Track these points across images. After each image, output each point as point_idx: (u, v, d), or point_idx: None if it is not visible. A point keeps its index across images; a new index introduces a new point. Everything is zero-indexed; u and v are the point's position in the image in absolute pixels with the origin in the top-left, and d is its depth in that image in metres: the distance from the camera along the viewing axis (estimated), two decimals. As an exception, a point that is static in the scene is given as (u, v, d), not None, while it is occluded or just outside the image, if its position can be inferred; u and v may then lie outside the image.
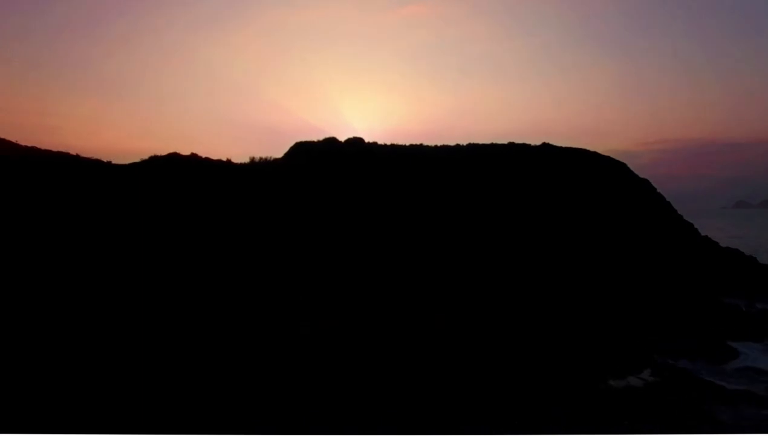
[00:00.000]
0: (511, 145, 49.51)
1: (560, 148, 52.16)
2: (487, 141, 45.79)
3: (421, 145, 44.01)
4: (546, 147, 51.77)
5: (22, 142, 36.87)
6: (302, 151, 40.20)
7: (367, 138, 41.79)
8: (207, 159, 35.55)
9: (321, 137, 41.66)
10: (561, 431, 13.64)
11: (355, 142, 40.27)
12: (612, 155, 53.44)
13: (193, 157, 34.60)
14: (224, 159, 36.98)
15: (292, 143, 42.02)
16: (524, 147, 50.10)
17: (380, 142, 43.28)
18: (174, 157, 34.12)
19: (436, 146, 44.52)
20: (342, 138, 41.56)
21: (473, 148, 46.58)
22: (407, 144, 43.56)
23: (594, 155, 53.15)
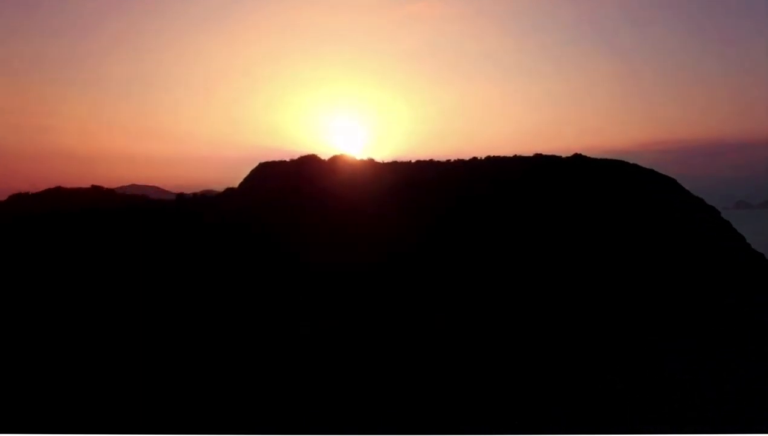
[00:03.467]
0: (538, 157, 40.50)
1: (595, 160, 43.81)
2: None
3: (431, 160, 34.51)
4: (578, 159, 43.22)
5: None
6: (267, 174, 30.42)
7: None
8: (119, 194, 25.75)
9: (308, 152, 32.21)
10: (561, 431, 13.46)
11: (343, 161, 30.45)
12: (612, 155, 45.26)
13: (94, 190, 24.73)
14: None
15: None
16: (553, 159, 41.30)
17: (378, 157, 33.99)
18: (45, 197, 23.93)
19: (448, 161, 35.00)
20: (326, 153, 32.44)
21: (492, 162, 37.22)
22: (412, 160, 33.98)
23: (634, 168, 44.64)
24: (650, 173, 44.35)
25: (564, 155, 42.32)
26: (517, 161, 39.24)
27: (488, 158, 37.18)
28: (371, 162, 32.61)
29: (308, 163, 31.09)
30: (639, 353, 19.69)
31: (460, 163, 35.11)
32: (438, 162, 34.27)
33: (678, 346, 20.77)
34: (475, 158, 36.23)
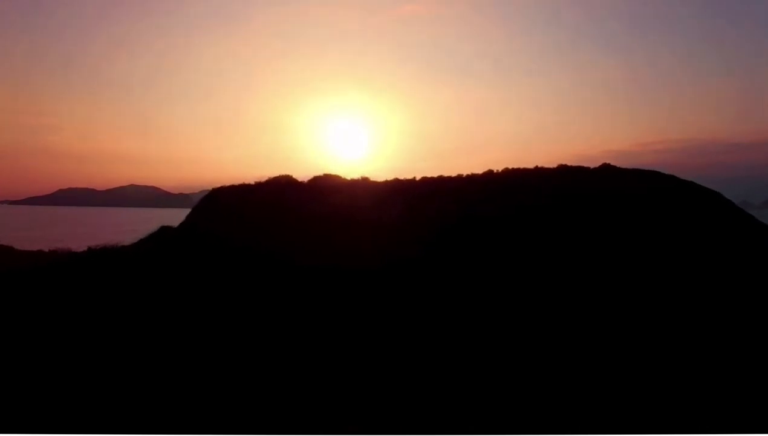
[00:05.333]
0: (563, 169, 34.12)
1: (625, 170, 37.95)
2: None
3: (440, 176, 27.56)
4: (607, 170, 37.23)
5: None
6: (226, 200, 23.18)
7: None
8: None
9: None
10: (561, 431, 12.99)
11: (328, 183, 23.14)
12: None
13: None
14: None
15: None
16: (579, 171, 35.10)
17: (373, 173, 26.97)
18: None
19: (459, 176, 28.15)
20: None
21: (512, 175, 30.59)
22: (416, 177, 26.94)
23: (670, 179, 38.74)
24: (687, 185, 38.48)
25: (592, 166, 36.20)
26: (538, 173, 32.80)
27: (506, 170, 30.47)
28: (365, 182, 25.30)
29: (280, 186, 23.71)
30: (639, 353, 18.89)
31: (473, 178, 28.32)
32: (448, 178, 27.37)
33: (678, 346, 19.81)
34: (490, 171, 29.48)
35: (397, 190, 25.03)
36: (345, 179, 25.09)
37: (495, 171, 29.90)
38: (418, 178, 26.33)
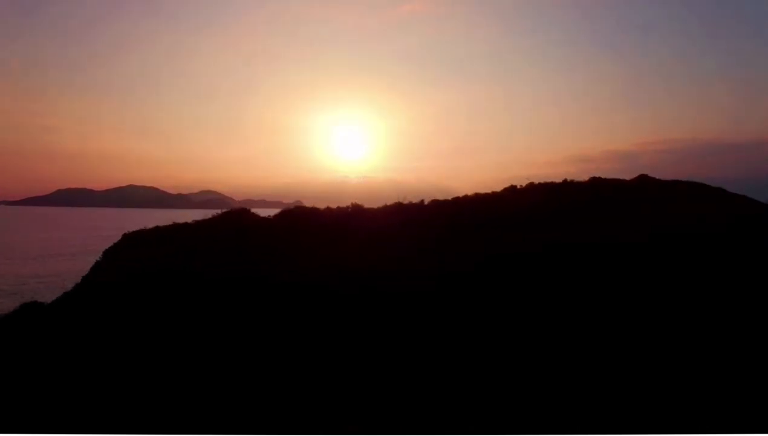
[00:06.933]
0: (596, 181, 28.25)
1: (664, 182, 32.49)
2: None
3: (455, 199, 21.32)
4: (644, 181, 31.64)
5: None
6: (124, 254, 16.76)
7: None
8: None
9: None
10: (561, 431, 12.60)
11: (298, 218, 16.68)
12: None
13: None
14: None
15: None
16: (614, 184, 29.36)
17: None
18: None
19: (476, 195, 21.92)
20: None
21: (537, 191, 24.52)
22: (425, 200, 20.62)
23: (719, 193, 33.21)
24: (739, 199, 32.90)
25: (628, 178, 30.51)
26: (568, 188, 26.84)
27: (530, 186, 24.35)
28: (356, 212, 18.72)
29: (227, 227, 17.15)
30: (639, 352, 18.17)
31: (491, 197, 22.17)
32: (464, 198, 21.10)
33: (678, 346, 18.83)
34: (513, 187, 23.37)
35: (402, 212, 18.67)
36: (327, 211, 18.36)
37: (518, 187, 23.72)
38: (426, 202, 19.97)
